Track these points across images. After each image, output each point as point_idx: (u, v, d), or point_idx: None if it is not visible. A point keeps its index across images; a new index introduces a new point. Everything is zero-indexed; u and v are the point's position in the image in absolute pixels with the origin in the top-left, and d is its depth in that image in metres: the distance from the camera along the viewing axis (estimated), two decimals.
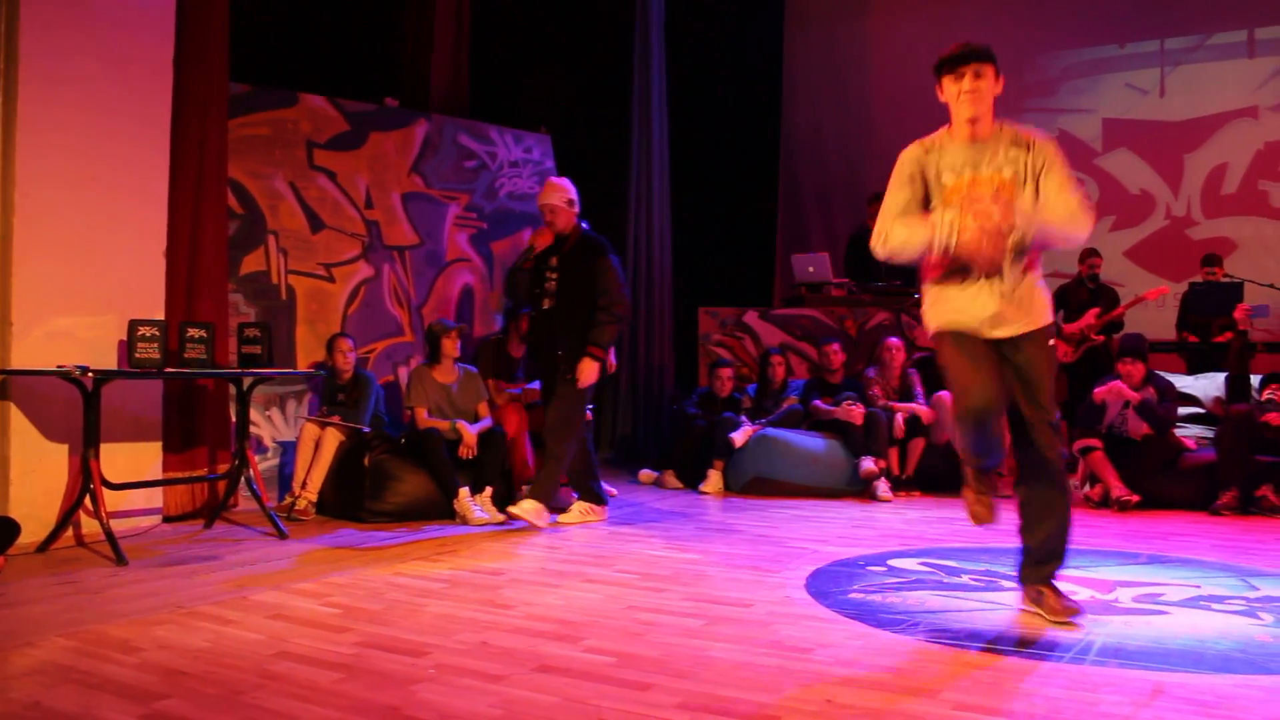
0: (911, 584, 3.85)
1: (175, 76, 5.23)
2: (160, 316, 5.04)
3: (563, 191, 5.34)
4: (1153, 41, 9.54)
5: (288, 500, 5.56)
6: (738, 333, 8.07)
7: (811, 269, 8.15)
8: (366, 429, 5.68)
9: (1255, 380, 6.46)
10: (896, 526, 5.33)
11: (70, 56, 4.75)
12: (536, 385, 6.05)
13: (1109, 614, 3.36)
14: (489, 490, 5.53)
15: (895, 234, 3.17)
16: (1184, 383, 6.83)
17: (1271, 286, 7.62)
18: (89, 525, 4.59)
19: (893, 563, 4.26)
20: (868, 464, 6.42)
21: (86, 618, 3.25)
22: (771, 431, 6.70)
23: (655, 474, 7.15)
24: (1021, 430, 3.21)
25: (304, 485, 5.51)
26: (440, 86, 7.98)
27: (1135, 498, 5.84)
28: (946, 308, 3.20)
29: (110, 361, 4.84)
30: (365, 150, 6.89)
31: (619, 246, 8.90)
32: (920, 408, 6.69)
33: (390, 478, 5.44)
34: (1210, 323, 7.68)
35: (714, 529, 5.23)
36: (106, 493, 4.42)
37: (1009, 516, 3.37)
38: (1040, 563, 3.31)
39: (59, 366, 4.32)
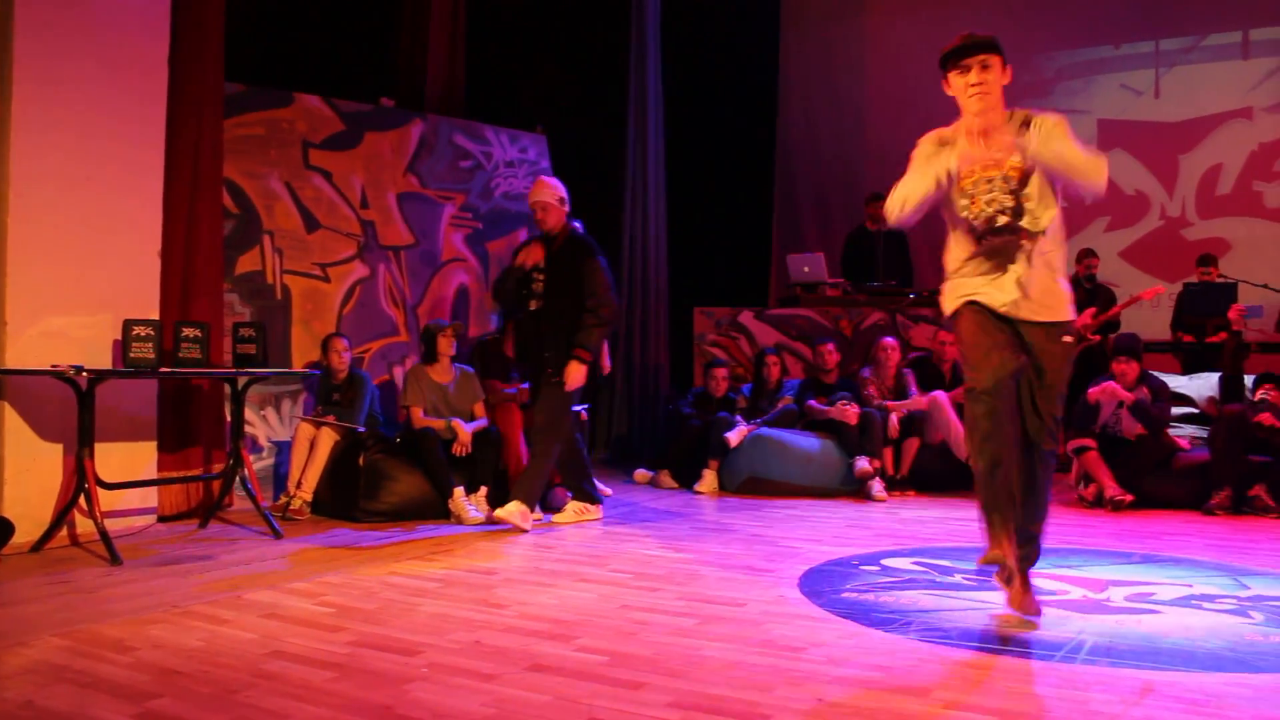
0: (904, 583, 3.86)
1: (170, 76, 5.23)
2: (155, 316, 5.04)
3: (554, 189, 5.34)
4: (1148, 42, 9.57)
5: (283, 500, 5.57)
6: (733, 333, 8.08)
7: (807, 269, 8.16)
8: (361, 429, 5.69)
9: (1249, 380, 6.48)
10: (890, 526, 5.34)
11: (65, 57, 4.75)
12: None
13: (1101, 613, 3.37)
14: (484, 490, 5.54)
15: (901, 188, 3.17)
16: (1178, 383, 6.84)
17: (1266, 287, 7.64)
18: (84, 525, 4.59)
19: (886, 562, 4.27)
20: (862, 464, 6.43)
21: (80, 617, 3.25)
22: (766, 431, 6.71)
23: (650, 474, 7.15)
24: (1022, 418, 3.20)
25: (299, 485, 5.51)
26: (436, 86, 7.99)
27: (1129, 497, 5.85)
28: (966, 289, 3.22)
29: (105, 361, 4.85)
30: (361, 150, 6.90)
31: (614, 246, 8.93)
32: (917, 400, 6.70)
33: (385, 477, 5.44)
34: (1205, 323, 7.70)
35: (708, 529, 5.24)
36: (101, 492, 4.42)
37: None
38: (1019, 544, 3.23)
39: (53, 366, 4.32)
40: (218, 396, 5.56)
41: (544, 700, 2.47)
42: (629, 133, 8.95)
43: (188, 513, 5.34)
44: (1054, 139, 3.04)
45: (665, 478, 6.98)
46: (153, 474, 5.14)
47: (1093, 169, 3.00)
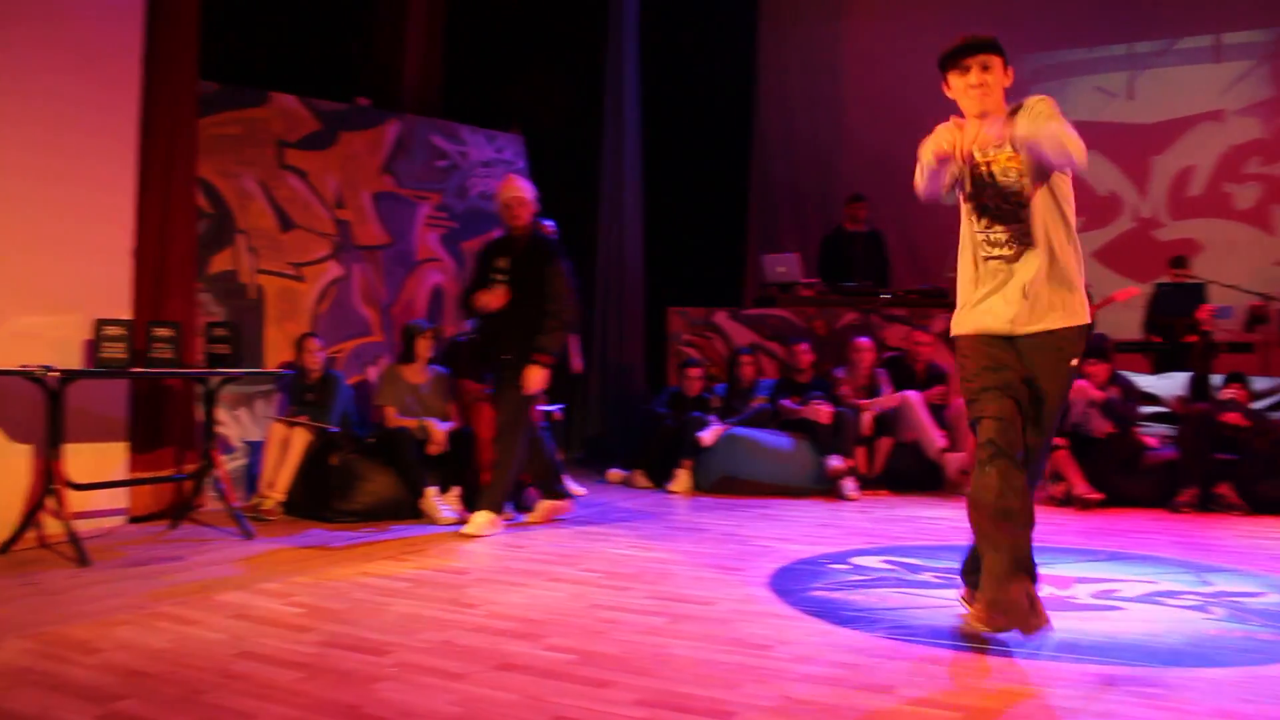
0: (874, 582, 3.89)
1: (145, 74, 5.20)
2: (128, 315, 5.01)
3: (525, 188, 5.30)
4: (1122, 45, 9.65)
5: (254, 500, 5.55)
6: (707, 333, 8.10)
7: (782, 269, 8.18)
8: (334, 429, 5.67)
9: (1218, 380, 6.56)
10: (862, 525, 5.37)
11: (35, 47, 4.70)
12: None
13: (1065, 610, 3.40)
14: (456, 490, 5.53)
15: (920, 161, 3.04)
16: (1147, 382, 6.92)
17: (1235, 288, 7.73)
18: (52, 526, 4.55)
19: (856, 560, 4.30)
20: (835, 462, 6.46)
21: (47, 619, 3.24)
22: (740, 431, 6.74)
23: (624, 473, 7.16)
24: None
25: (271, 485, 5.49)
26: (412, 86, 7.97)
27: (1098, 496, 5.91)
28: (975, 312, 3.09)
29: (76, 361, 4.81)
30: (336, 150, 6.87)
31: (590, 245, 8.95)
32: (889, 398, 6.74)
33: (358, 478, 5.43)
34: (1175, 323, 7.78)
35: (680, 528, 5.26)
36: (71, 493, 4.39)
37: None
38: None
39: (22, 366, 4.29)
40: (190, 396, 5.53)
41: (511, 699, 2.48)
42: (605, 132, 8.96)
43: (159, 514, 5.30)
44: (1041, 118, 2.96)
45: (639, 477, 7.00)
46: (124, 474, 5.11)
47: (1064, 137, 2.93)
